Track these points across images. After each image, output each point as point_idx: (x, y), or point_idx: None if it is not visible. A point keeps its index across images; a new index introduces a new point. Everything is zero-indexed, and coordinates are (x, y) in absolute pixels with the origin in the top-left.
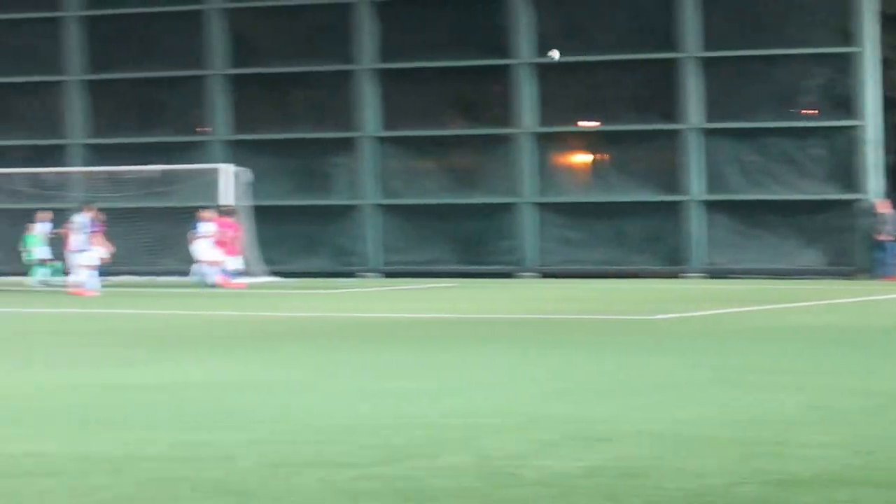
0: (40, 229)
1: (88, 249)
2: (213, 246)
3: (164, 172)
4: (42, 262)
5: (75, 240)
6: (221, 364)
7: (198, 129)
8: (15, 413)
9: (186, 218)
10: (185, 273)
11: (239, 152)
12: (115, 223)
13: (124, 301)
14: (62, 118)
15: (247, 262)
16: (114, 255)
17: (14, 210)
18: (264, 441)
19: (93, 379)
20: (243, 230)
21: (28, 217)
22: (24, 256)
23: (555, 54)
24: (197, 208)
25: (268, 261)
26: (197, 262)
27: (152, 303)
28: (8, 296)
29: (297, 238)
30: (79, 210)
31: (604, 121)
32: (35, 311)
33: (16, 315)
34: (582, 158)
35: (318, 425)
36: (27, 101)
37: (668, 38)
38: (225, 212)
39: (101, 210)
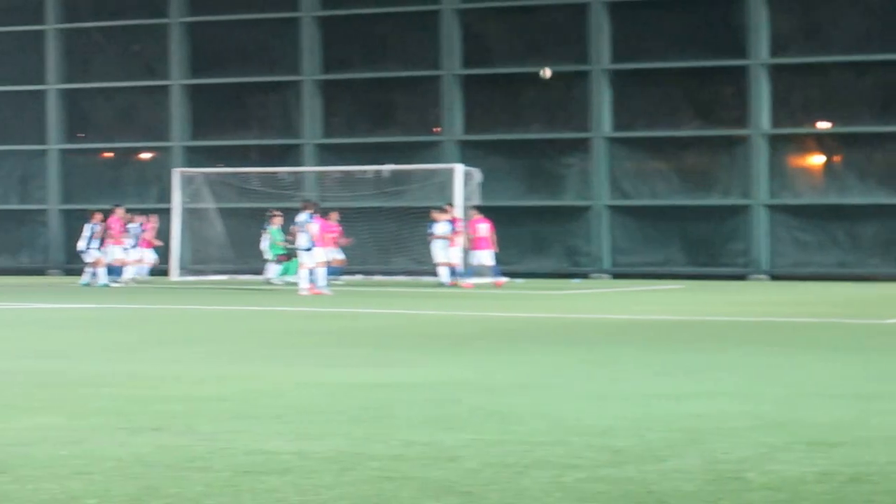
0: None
1: (313, 248)
2: (448, 246)
3: (395, 172)
4: (279, 260)
5: (300, 239)
6: (453, 363)
7: (433, 130)
8: (244, 410)
9: (419, 218)
10: (418, 273)
11: (470, 152)
12: (348, 223)
13: (357, 300)
14: (297, 118)
15: (479, 262)
16: (348, 255)
17: (249, 209)
18: (491, 441)
19: (325, 377)
20: (491, 230)
21: (262, 216)
22: (270, 253)
23: (547, 73)
24: (429, 208)
25: (498, 261)
26: (439, 263)
27: (385, 302)
28: (242, 294)
29: (528, 239)
30: (303, 209)
31: (838, 122)
32: (266, 309)
33: (250, 313)
34: (815, 160)
35: (546, 426)
36: (263, 101)
37: None
38: (469, 211)
39: (335, 211)
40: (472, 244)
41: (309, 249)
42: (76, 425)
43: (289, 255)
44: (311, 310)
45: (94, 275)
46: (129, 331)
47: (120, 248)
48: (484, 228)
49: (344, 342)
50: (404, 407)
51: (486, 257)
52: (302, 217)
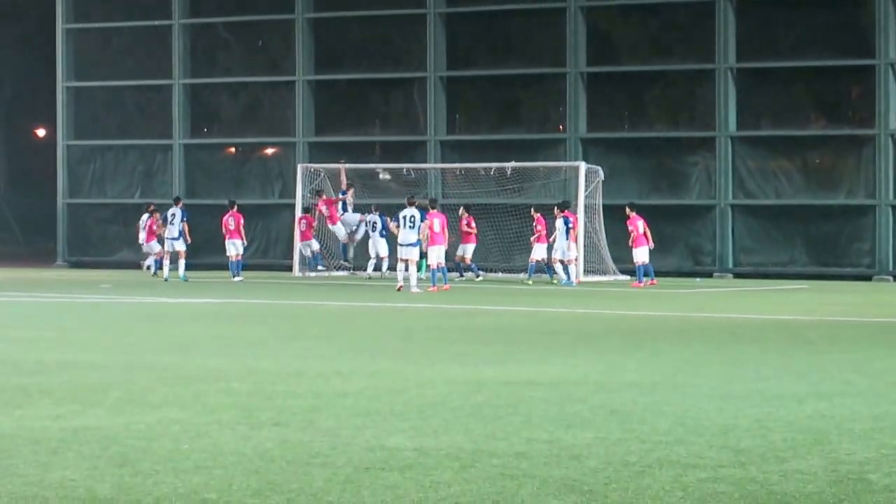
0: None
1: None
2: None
3: (518, 170)
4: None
5: (405, 234)
6: (576, 361)
7: (557, 128)
8: (365, 406)
9: (544, 215)
10: (538, 271)
11: (593, 150)
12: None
13: (480, 297)
14: (422, 115)
15: (639, 260)
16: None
17: (376, 205)
18: (613, 440)
19: (447, 374)
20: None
21: (388, 211)
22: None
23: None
24: (552, 206)
25: (617, 260)
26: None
27: (508, 299)
28: (365, 291)
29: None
30: (408, 205)
31: None
32: (389, 305)
33: (373, 310)
34: None
35: (668, 425)
36: (387, 97)
37: None
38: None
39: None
40: (633, 242)
41: (415, 245)
42: (197, 420)
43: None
44: (434, 307)
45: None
46: (250, 326)
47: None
48: (640, 225)
49: (467, 339)
50: (526, 404)
51: (642, 254)
52: (407, 212)
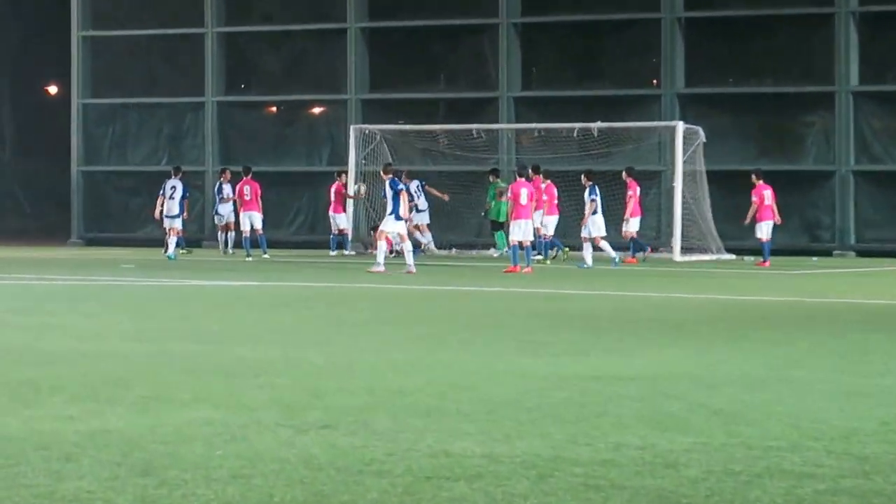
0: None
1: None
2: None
3: (605, 131)
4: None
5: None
6: (671, 353)
7: (650, 82)
8: (428, 405)
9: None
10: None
11: (692, 108)
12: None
13: (563, 280)
14: (493, 68)
15: (762, 235)
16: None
17: (435, 173)
18: (715, 446)
19: (524, 367)
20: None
21: (449, 182)
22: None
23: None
24: (648, 172)
25: (722, 235)
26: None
27: (594, 282)
28: (436, 272)
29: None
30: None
31: None
32: (462, 289)
33: (443, 294)
34: None
35: (780, 428)
36: (453, 47)
37: None
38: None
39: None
40: (756, 214)
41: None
42: (233, 420)
43: (499, 224)
44: (507, 290)
45: (226, 243)
46: (293, 312)
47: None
48: (768, 195)
49: (544, 327)
50: (615, 403)
51: (765, 230)
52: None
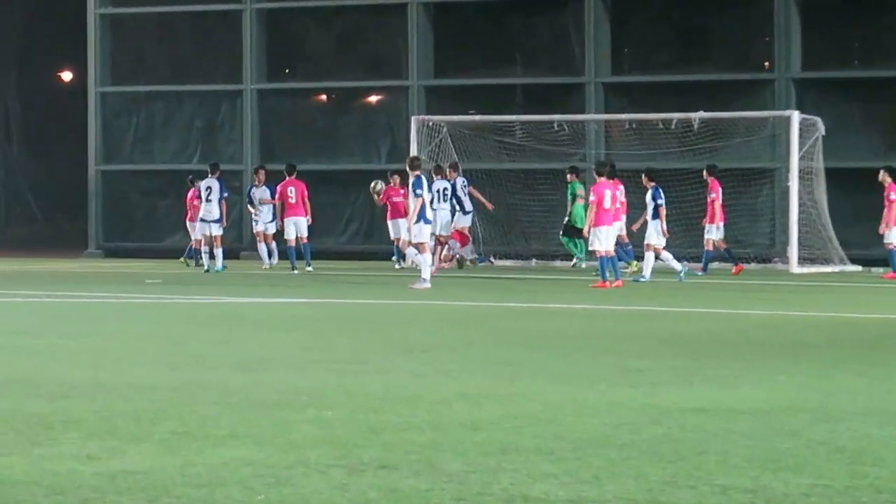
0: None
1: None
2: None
3: (707, 122)
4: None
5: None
6: (786, 381)
7: (762, 65)
8: (503, 442)
9: (741, 182)
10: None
11: (810, 95)
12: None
13: (664, 295)
14: (578, 49)
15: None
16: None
17: (509, 171)
18: (838, 489)
19: (616, 397)
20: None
21: (529, 182)
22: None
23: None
24: (760, 170)
25: (844, 244)
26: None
27: (700, 298)
28: (519, 285)
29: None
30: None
31: None
32: (541, 306)
33: (521, 311)
34: None
35: None
36: (530, 25)
37: None
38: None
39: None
40: (886, 218)
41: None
42: (277, 460)
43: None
44: (600, 308)
45: (270, 254)
46: (351, 333)
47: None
48: None
49: (641, 350)
50: (720, 440)
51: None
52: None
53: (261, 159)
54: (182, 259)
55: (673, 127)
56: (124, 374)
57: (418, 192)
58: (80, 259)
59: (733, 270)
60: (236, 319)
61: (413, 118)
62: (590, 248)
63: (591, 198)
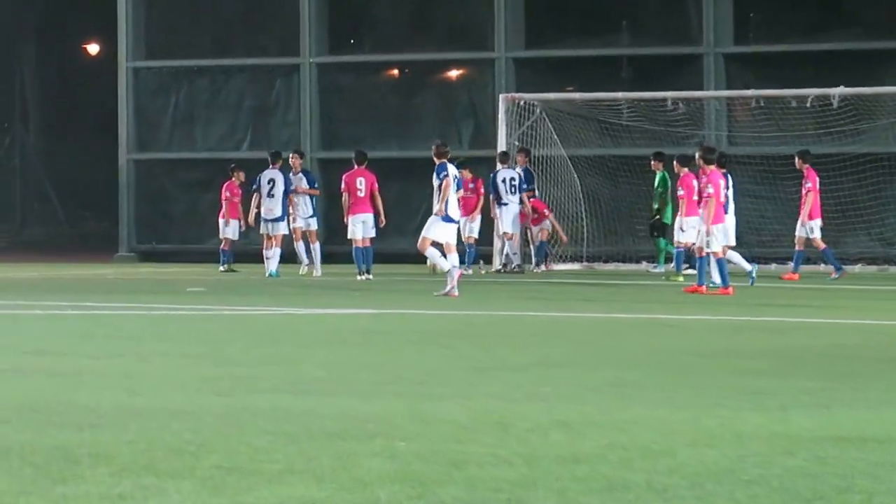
0: None
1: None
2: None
3: (848, 99)
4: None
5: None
6: None
7: None
8: (609, 477)
9: (891, 172)
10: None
11: None
12: (774, 183)
13: (784, 303)
14: (693, 14)
15: None
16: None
17: (618, 158)
18: None
19: (740, 424)
20: None
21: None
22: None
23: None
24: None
25: None
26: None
27: (835, 306)
28: (615, 293)
29: None
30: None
31: None
32: (648, 317)
33: (623, 323)
34: None
35: None
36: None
37: None
38: None
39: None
40: None
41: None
42: (341, 500)
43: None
44: (710, 319)
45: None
46: (429, 349)
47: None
48: None
49: (766, 369)
50: (864, 475)
51: None
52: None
53: (322, 146)
54: (223, 267)
55: (808, 105)
56: (162, 399)
57: (443, 174)
58: (110, 264)
59: (791, 274)
60: (292, 333)
61: (501, 96)
62: (707, 249)
63: (710, 190)
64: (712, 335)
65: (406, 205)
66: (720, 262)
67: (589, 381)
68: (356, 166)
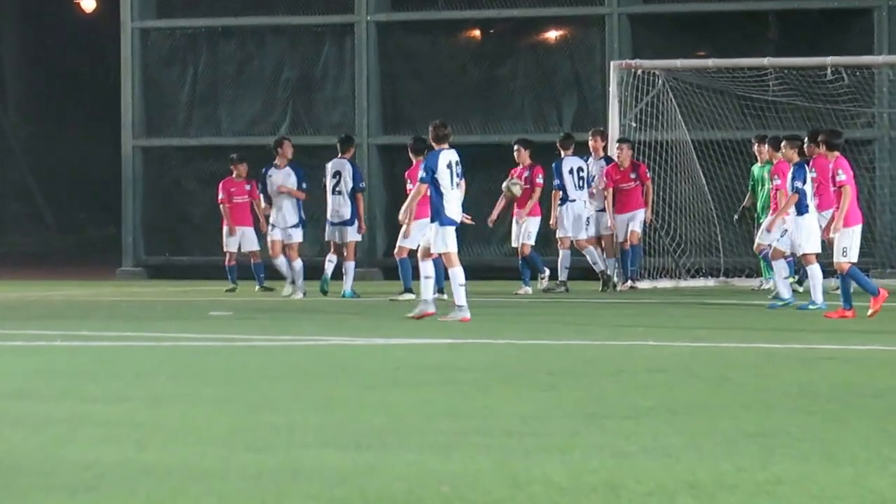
0: None
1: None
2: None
3: None
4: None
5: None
6: None
7: None
8: None
9: None
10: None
11: None
12: None
13: None
14: None
15: None
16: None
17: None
18: None
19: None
20: None
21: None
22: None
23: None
24: None
25: None
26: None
27: None
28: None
29: None
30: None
31: None
32: (785, 346)
33: (762, 354)
34: None
35: None
36: None
37: None
38: None
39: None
40: None
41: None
42: None
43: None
44: (884, 349)
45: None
46: (514, 390)
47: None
48: None
49: None
50: None
51: None
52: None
53: (382, 129)
54: (229, 287)
55: None
56: (179, 454)
57: (424, 173)
58: (112, 282)
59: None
60: (344, 370)
61: (612, 63)
62: (844, 260)
63: (841, 177)
64: (881, 370)
65: (490, 204)
66: (845, 278)
67: (723, 430)
68: (414, 158)
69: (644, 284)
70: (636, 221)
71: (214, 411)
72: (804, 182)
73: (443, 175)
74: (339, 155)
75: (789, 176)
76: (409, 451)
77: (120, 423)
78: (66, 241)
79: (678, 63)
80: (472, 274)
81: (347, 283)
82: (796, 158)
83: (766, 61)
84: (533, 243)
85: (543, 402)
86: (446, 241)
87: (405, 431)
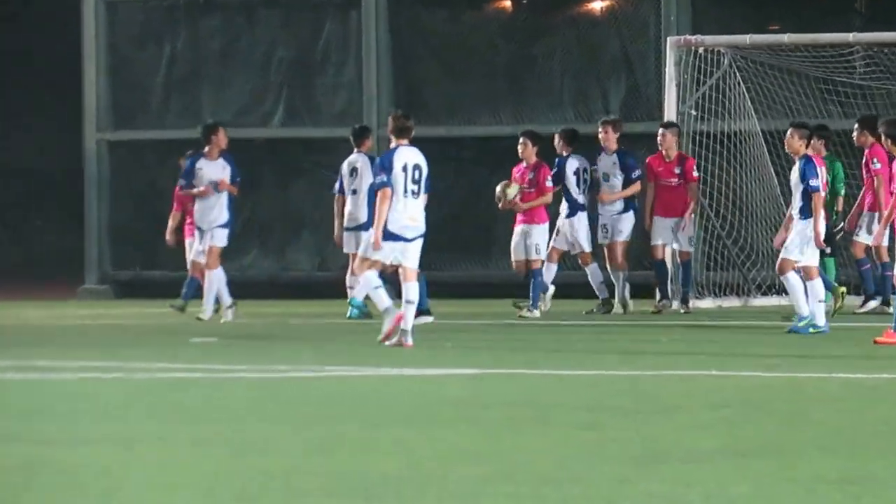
0: None
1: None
2: None
3: None
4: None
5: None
6: None
7: None
8: None
9: None
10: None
11: None
12: None
13: None
14: None
15: None
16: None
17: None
18: None
19: None
20: None
21: None
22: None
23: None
24: None
25: None
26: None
27: None
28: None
29: None
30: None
31: None
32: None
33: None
34: None
35: None
36: None
37: None
38: None
39: None
40: None
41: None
42: None
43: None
44: None
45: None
46: (552, 429)
47: None
48: None
49: None
50: None
51: None
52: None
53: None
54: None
55: None
56: None
57: (379, 178)
58: (73, 301)
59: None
60: (350, 406)
61: (669, 40)
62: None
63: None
64: None
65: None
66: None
67: (800, 476)
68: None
69: (706, 303)
70: (685, 237)
71: (196, 455)
72: (818, 178)
73: (397, 179)
74: (356, 149)
75: (799, 173)
76: (428, 502)
77: (83, 470)
78: (20, 254)
79: (747, 39)
80: (496, 291)
81: (360, 293)
82: (804, 150)
83: (851, 37)
84: (544, 258)
85: (584, 444)
86: (383, 252)
87: (422, 478)
